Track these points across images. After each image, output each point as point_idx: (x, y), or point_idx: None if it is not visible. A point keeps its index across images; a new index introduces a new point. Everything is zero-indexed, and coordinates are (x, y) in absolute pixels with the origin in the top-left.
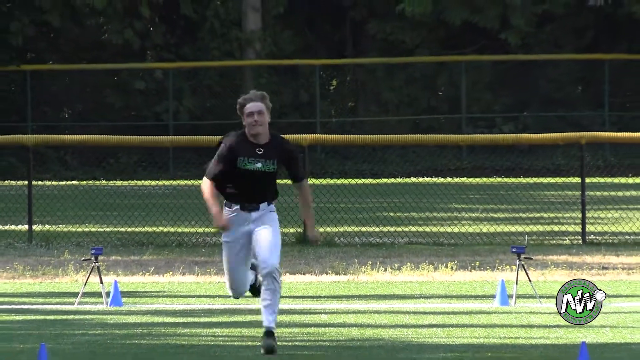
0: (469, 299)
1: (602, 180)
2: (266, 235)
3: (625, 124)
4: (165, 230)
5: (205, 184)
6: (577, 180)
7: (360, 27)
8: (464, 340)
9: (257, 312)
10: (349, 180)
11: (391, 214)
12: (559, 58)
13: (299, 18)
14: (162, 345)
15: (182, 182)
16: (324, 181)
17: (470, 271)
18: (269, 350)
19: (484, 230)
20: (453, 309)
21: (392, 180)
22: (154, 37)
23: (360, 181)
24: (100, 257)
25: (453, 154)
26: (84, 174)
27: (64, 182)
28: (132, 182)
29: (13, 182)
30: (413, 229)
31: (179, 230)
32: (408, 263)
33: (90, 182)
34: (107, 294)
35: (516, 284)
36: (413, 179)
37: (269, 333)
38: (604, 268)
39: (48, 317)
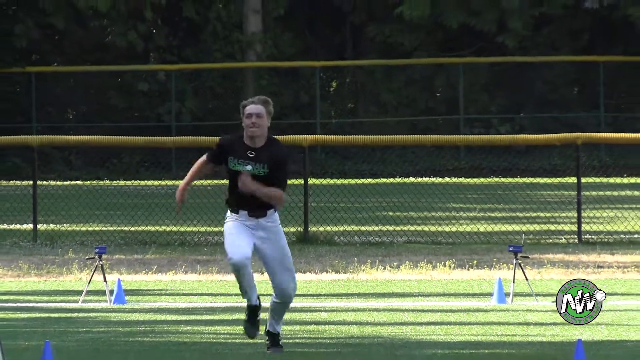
0: (466, 297)
1: (597, 180)
2: (283, 262)
3: (620, 125)
4: (168, 229)
5: (198, 161)
6: (573, 180)
7: (360, 29)
8: (461, 337)
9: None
10: (349, 180)
11: (390, 213)
12: (555, 60)
13: (299, 20)
14: (165, 343)
15: None
16: (324, 181)
17: (468, 270)
18: (251, 336)
19: (482, 229)
20: (451, 307)
21: (391, 180)
22: (157, 39)
23: (359, 181)
24: (104, 256)
25: (451, 155)
26: (87, 174)
27: (68, 182)
28: (135, 182)
29: (18, 182)
30: (412, 228)
31: (182, 229)
32: (407, 262)
33: (94, 182)
34: (111, 292)
35: (513, 282)
36: (412, 179)
37: (272, 334)
38: (599, 267)
39: (52, 315)
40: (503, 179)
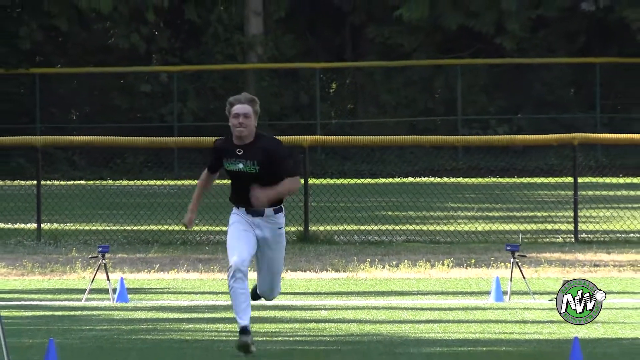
0: (464, 296)
1: (594, 180)
2: (271, 267)
3: (617, 126)
4: (170, 228)
5: (202, 175)
6: (570, 180)
7: (360, 31)
8: (459, 335)
9: (259, 308)
10: (349, 180)
11: (389, 212)
12: (552, 62)
13: (300, 22)
14: (167, 341)
15: (187, 182)
16: (323, 181)
17: (466, 268)
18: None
19: (479, 228)
20: (449, 305)
21: (390, 180)
22: (159, 41)
23: (359, 181)
24: (107, 255)
25: (449, 155)
26: (91, 174)
27: (71, 182)
28: (138, 181)
29: (22, 182)
30: (410, 227)
31: (184, 228)
32: (405, 260)
33: (97, 181)
34: (114, 290)
35: (510, 280)
36: (410, 179)
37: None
38: (595, 265)
39: (56, 313)
40: (501, 179)
